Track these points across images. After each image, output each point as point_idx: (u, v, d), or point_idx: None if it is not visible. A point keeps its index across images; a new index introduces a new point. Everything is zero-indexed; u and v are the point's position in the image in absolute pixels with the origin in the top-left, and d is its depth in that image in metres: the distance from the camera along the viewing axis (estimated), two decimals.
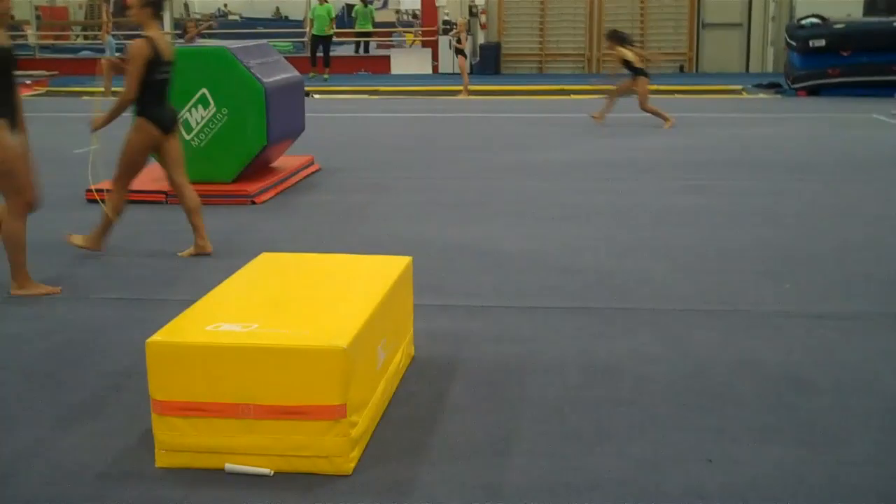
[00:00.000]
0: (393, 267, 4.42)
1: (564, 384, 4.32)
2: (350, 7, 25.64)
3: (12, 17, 24.71)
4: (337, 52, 25.65)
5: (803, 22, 18.71)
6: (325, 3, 21.95)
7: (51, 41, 27.33)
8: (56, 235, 7.31)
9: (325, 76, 21.68)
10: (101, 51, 26.39)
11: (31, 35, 26.01)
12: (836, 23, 18.35)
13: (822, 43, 17.59)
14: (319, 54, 21.92)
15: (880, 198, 8.51)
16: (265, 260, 4.66)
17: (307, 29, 22.35)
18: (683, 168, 9.97)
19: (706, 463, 3.53)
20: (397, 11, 30.89)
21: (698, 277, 6.04)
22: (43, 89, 20.93)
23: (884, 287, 5.81)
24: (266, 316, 3.78)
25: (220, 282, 4.33)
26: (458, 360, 4.62)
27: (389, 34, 26.69)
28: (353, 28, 25.62)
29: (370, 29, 25.33)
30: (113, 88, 19.01)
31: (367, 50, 25.53)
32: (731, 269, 6.20)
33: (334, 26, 22.47)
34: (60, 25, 29.39)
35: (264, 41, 10.12)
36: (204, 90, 8.45)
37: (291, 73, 9.51)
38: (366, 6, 25.23)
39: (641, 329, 5.07)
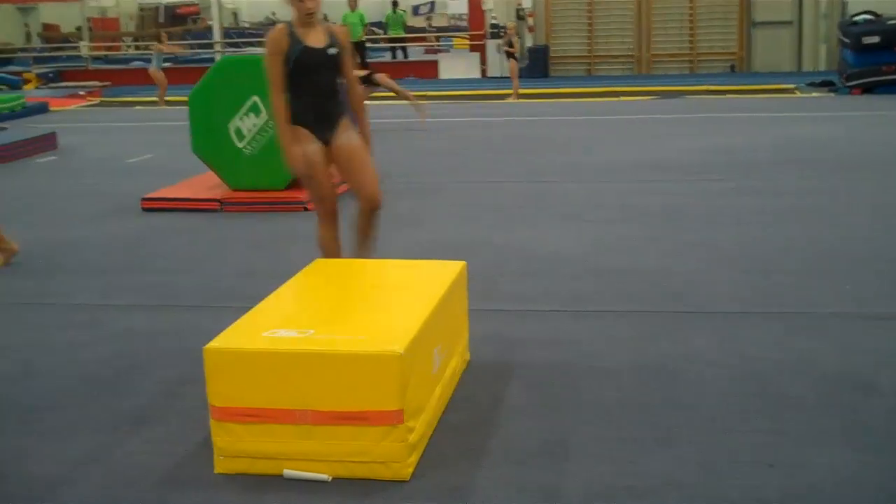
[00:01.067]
0: (447, 271, 4.42)
1: (620, 387, 4.30)
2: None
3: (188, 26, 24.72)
4: (384, 57, 25.75)
5: (856, 18, 18.48)
6: (357, 10, 22.03)
7: (103, 52, 27.67)
8: (112, 243, 7.41)
9: None
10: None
11: (84, 46, 26.35)
12: (889, 18, 18.09)
13: (875, 39, 17.34)
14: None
15: None
16: (319, 266, 4.68)
17: None
18: (735, 168, 9.88)
19: (767, 467, 3.49)
20: (449, 16, 30.92)
21: (753, 279, 5.97)
22: (96, 100, 21.19)
23: None
24: (322, 322, 3.80)
25: (274, 288, 4.35)
26: (513, 364, 4.61)
27: (425, 38, 26.72)
28: (386, 34, 25.65)
29: (402, 34, 25.38)
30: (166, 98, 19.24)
31: (405, 55, 25.58)
32: (787, 270, 6.13)
33: (367, 32, 22.50)
34: (112, 36, 29.76)
35: None
36: (255, 98, 8.50)
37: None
38: (395, 12, 25.29)
39: (696, 331, 5.02)
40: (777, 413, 3.97)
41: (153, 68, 19.37)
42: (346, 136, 5.39)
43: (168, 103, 19.24)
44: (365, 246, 5.48)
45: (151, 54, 19.82)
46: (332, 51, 5.27)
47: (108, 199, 9.13)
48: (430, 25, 30.25)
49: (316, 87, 5.27)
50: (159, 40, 20.09)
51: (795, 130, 12.77)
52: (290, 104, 5.27)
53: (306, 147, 5.26)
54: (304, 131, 5.27)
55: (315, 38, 5.26)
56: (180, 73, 25.08)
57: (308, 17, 5.22)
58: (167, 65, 26.04)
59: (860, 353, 4.64)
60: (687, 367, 4.51)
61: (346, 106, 5.46)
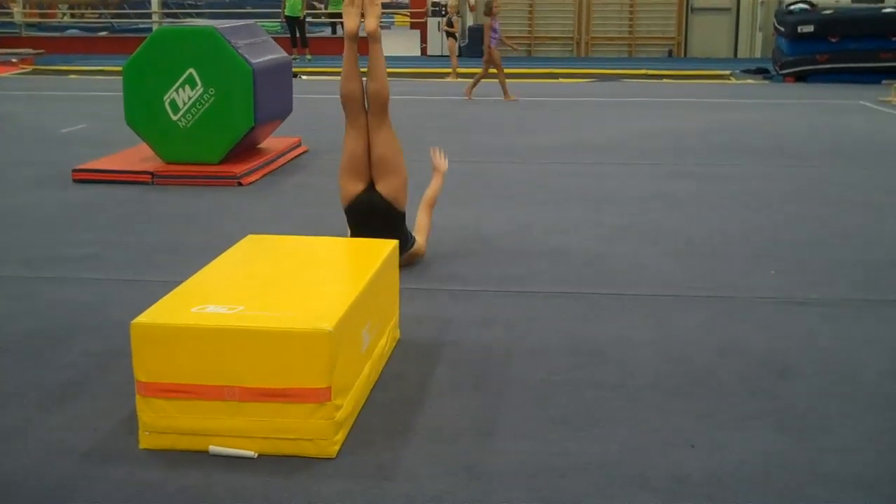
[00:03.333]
0: (378, 249, 4.42)
1: (549, 368, 4.33)
2: None
3: None
4: (325, 33, 25.57)
5: (792, 7, 18.75)
6: None
7: (37, 19, 27.13)
8: (41, 214, 7.30)
9: (308, 57, 21.57)
10: (89, 29, 26.34)
11: (17, 13, 25.83)
12: (824, 9, 18.40)
13: (810, 29, 17.61)
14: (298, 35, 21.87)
15: (867, 184, 8.53)
16: (251, 242, 4.65)
17: (281, 10, 22.20)
18: (670, 153, 9.99)
19: (689, 448, 3.55)
20: None
21: (685, 263, 6.05)
22: (29, 68, 20.78)
23: (869, 274, 5.83)
24: (252, 298, 3.78)
25: (205, 263, 4.32)
26: (444, 344, 4.62)
27: None
28: (326, 9, 25.33)
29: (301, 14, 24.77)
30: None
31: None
32: (718, 255, 6.22)
33: (306, 7, 22.20)
34: (47, 3, 29.19)
35: (252, 21, 10.09)
36: (191, 70, 8.41)
37: (279, 54, 9.48)
38: None
39: (627, 314, 5.08)
40: (702, 395, 4.03)
41: None
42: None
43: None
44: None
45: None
46: None
47: (38, 170, 8.98)
48: None
49: None
50: None
51: (730, 116, 12.93)
52: None
53: None
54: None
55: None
56: (117, 42, 24.74)
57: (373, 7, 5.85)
58: (103, 34, 25.71)
59: (783, 338, 4.73)
60: (616, 349, 4.56)
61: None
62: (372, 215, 5.56)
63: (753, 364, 4.38)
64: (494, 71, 14.74)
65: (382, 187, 5.66)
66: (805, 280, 5.70)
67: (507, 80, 14.79)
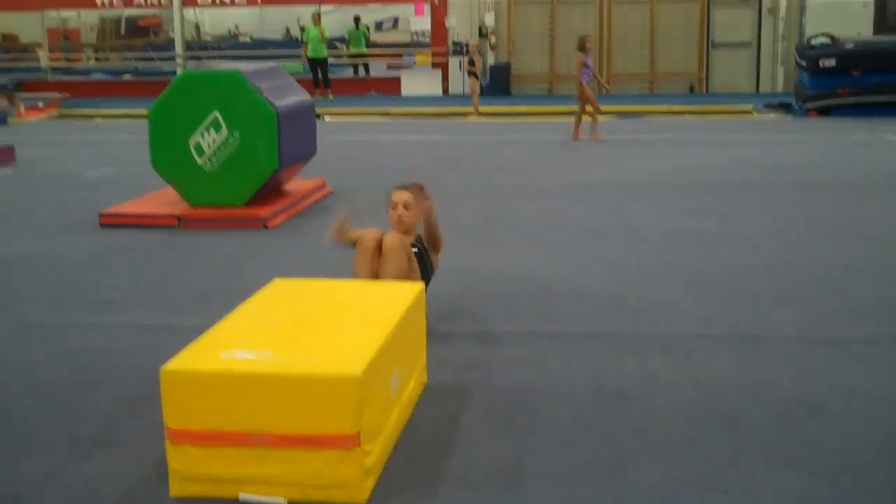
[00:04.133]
0: (405, 293, 4.43)
1: (576, 410, 4.32)
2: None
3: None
4: (347, 74, 25.77)
5: (813, 41, 18.74)
6: (318, 25, 22.05)
7: (63, 64, 27.46)
8: (68, 258, 7.35)
9: (330, 97, 21.74)
10: (114, 72, 26.63)
11: (44, 57, 26.16)
12: (846, 42, 18.37)
13: (832, 63, 17.61)
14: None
15: (889, 220, 8.49)
16: (278, 286, 4.67)
17: (303, 52, 22.45)
18: (693, 189, 9.98)
19: (721, 492, 3.52)
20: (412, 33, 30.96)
21: (709, 301, 6.03)
22: (55, 112, 21.00)
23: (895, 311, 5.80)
24: (279, 343, 3.79)
25: (232, 307, 4.34)
26: (471, 387, 4.62)
27: (392, 55, 26.70)
28: (348, 50, 25.56)
29: (364, 50, 25.40)
30: None
31: (367, 72, 25.60)
32: (742, 293, 6.20)
33: (326, 47, 22.35)
34: (73, 47, 29.54)
35: (275, 63, 10.18)
36: (216, 113, 8.48)
37: (303, 96, 9.56)
38: (357, 28, 25.12)
39: (653, 354, 5.06)
40: (731, 436, 4.00)
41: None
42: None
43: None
44: None
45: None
46: (415, 248, 5.49)
47: (65, 214, 9.06)
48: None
49: None
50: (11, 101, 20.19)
51: (753, 152, 12.92)
52: None
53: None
54: None
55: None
56: (142, 85, 25.01)
57: (399, 226, 5.58)
58: (127, 77, 25.99)
59: (813, 377, 4.70)
60: (644, 391, 4.54)
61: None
62: None
63: (782, 404, 4.35)
64: (591, 109, 14.50)
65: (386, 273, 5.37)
66: (832, 317, 5.67)
67: (536, 118, 14.80)
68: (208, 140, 8.53)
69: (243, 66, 8.99)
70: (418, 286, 4.55)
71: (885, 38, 20.36)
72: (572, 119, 14.92)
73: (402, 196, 5.67)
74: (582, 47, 14.47)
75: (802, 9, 22.81)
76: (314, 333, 3.95)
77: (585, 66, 14.33)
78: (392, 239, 5.35)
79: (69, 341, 5.41)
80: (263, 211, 8.48)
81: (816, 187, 10.10)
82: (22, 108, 20.05)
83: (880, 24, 22.47)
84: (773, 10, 23.05)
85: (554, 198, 9.70)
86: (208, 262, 7.30)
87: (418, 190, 5.68)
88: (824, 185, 10.21)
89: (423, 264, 5.52)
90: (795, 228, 8.12)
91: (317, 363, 3.54)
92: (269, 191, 8.88)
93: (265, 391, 3.45)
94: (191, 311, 5.92)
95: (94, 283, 6.65)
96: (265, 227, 8.33)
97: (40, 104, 21.16)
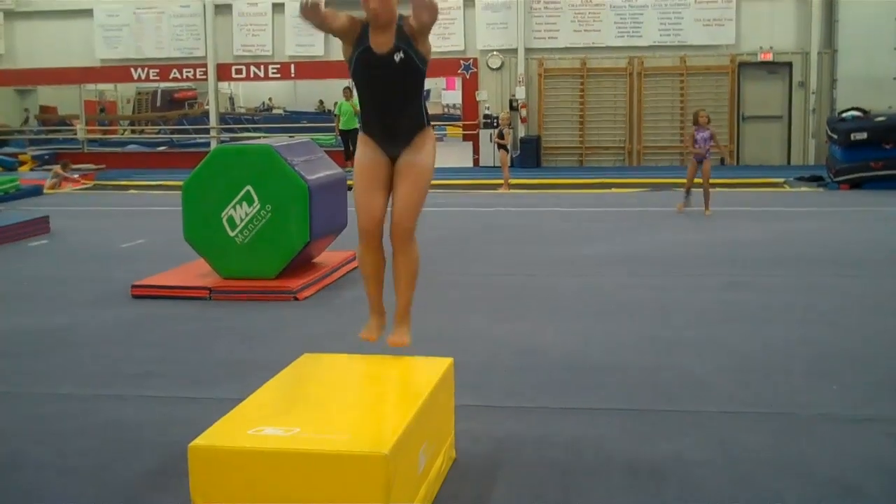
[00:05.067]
0: (434, 368, 4.42)
1: (609, 488, 4.27)
2: None
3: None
4: None
5: (844, 115, 18.75)
6: (351, 99, 22.19)
7: (99, 135, 27.89)
8: (100, 330, 7.40)
9: (349, 169, 21.80)
10: (149, 144, 27.01)
11: (80, 130, 26.60)
12: (877, 115, 18.37)
13: (863, 136, 17.59)
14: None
15: None
16: (307, 361, 4.67)
17: (335, 125, 22.65)
18: (725, 263, 9.93)
19: None
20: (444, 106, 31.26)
21: (743, 377, 5.97)
22: (90, 183, 21.27)
23: None
24: (308, 419, 3.79)
25: (262, 380, 4.34)
26: (500, 463, 4.58)
27: None
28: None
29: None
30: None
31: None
32: (776, 369, 6.13)
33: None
34: (109, 119, 30.02)
35: (307, 139, 10.29)
36: (249, 187, 8.57)
37: (334, 170, 9.64)
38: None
39: (687, 432, 5.00)
40: None
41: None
42: (412, 154, 4.81)
43: None
44: (398, 286, 5.01)
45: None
46: (399, 56, 4.62)
47: (98, 286, 9.13)
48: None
49: (381, 98, 4.74)
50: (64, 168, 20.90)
51: (785, 225, 12.87)
52: (360, 107, 4.88)
53: (364, 152, 4.84)
54: (369, 140, 4.83)
55: (381, 41, 4.63)
56: (176, 157, 25.33)
57: (374, 20, 4.61)
58: (162, 149, 26.35)
59: (848, 457, 4.62)
60: (676, 469, 4.48)
61: (422, 119, 4.86)
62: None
63: (818, 484, 4.28)
64: (699, 181, 14.21)
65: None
66: (866, 396, 5.59)
67: (567, 190, 14.78)
68: (240, 213, 8.60)
69: (276, 141, 9.09)
70: (447, 362, 4.53)
71: None
72: (602, 191, 14.92)
73: None
74: (696, 121, 14.31)
75: (833, 82, 22.87)
76: (342, 410, 3.94)
77: (695, 140, 14.13)
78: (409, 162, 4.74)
79: (100, 414, 5.42)
80: (294, 283, 8.52)
81: (849, 262, 10.02)
82: (69, 181, 20.48)
83: None
84: (804, 84, 23.11)
85: (586, 270, 9.68)
86: (239, 334, 7.32)
87: None
88: (857, 260, 10.13)
89: (415, 76, 4.74)
90: (828, 303, 8.05)
91: (344, 441, 3.53)
92: (300, 263, 8.92)
93: (293, 468, 3.44)
94: (221, 383, 5.93)
95: (126, 356, 6.68)
96: (295, 299, 8.36)
97: (76, 175, 21.43)
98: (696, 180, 14.23)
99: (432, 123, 4.97)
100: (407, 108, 4.78)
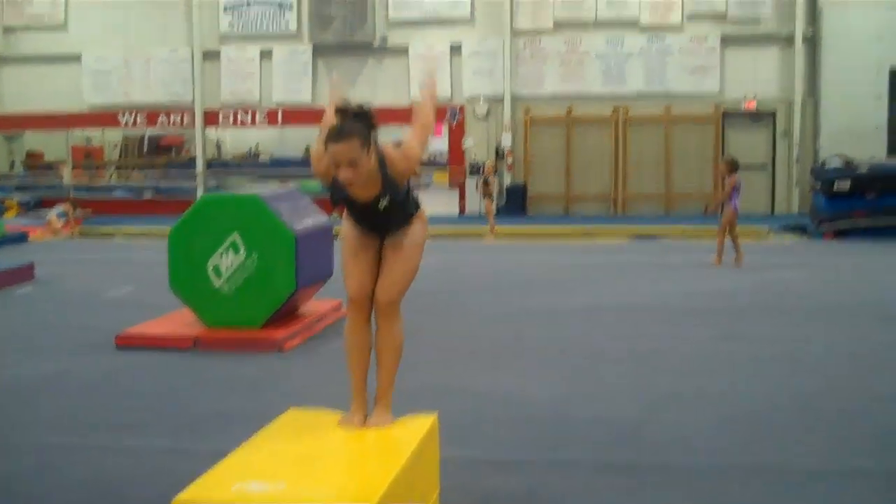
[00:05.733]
0: (419, 424, 4.41)
1: None
2: None
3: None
4: None
5: (827, 164, 18.93)
6: None
7: (85, 181, 27.88)
8: (85, 380, 7.36)
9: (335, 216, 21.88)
10: (135, 190, 27.04)
11: (66, 175, 26.60)
12: (860, 165, 18.55)
13: (846, 186, 17.76)
14: None
15: None
16: (292, 415, 4.65)
17: None
18: (711, 314, 9.96)
19: None
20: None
21: (732, 431, 5.96)
22: (76, 229, 21.24)
23: None
24: (293, 474, 3.77)
25: (248, 433, 4.32)
26: None
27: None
28: None
29: None
30: None
31: None
32: (764, 422, 6.13)
33: None
34: (95, 165, 30.03)
35: (293, 188, 10.31)
36: (235, 236, 8.56)
37: (321, 219, 9.64)
38: None
39: (675, 488, 4.98)
40: None
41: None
42: (401, 235, 4.74)
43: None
44: (380, 362, 4.88)
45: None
46: (384, 203, 4.53)
47: (83, 334, 9.09)
48: None
49: (366, 217, 4.66)
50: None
51: (770, 275, 12.92)
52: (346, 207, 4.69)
53: (350, 227, 4.75)
54: (355, 224, 4.74)
55: (362, 193, 4.49)
56: (163, 203, 25.35)
57: (351, 188, 4.44)
58: (148, 195, 26.36)
59: None
60: None
61: (412, 212, 4.78)
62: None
63: None
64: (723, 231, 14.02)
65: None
66: (854, 449, 5.59)
67: (546, 240, 14.85)
68: (226, 262, 8.59)
69: (263, 190, 9.10)
70: (431, 418, 4.51)
71: None
72: (588, 240, 14.97)
73: (342, 151, 4.24)
74: (735, 168, 13.97)
75: (816, 132, 23.09)
76: (328, 465, 3.93)
77: (736, 188, 13.91)
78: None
79: (83, 467, 5.38)
80: (279, 333, 8.49)
81: (835, 312, 10.06)
82: (66, 221, 20.48)
83: (893, 146, 22.70)
84: (788, 133, 23.32)
85: (572, 320, 9.69)
86: (224, 385, 7.28)
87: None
88: (843, 310, 10.17)
89: (403, 204, 4.68)
90: (815, 355, 8.07)
91: (330, 497, 3.51)
92: (286, 312, 8.90)
93: None
94: (206, 436, 5.89)
95: (111, 406, 6.64)
96: (281, 349, 8.33)
97: (62, 221, 21.41)
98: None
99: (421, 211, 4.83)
100: (394, 216, 4.68)
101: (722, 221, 13.96)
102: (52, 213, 20.27)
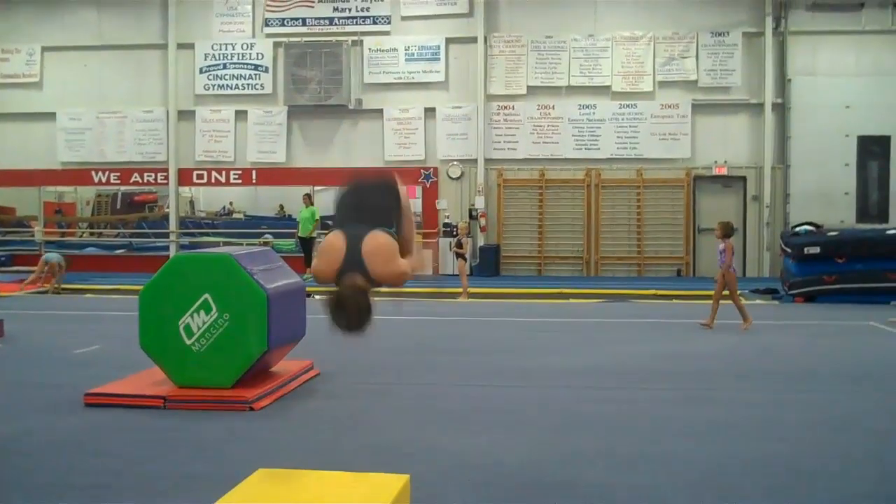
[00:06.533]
0: (390, 486, 4.38)
1: None
2: None
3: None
4: None
5: (797, 229, 19.13)
6: (310, 206, 22.61)
7: (56, 237, 27.78)
8: (50, 439, 7.27)
9: (310, 276, 21.76)
10: (107, 247, 26.93)
11: (38, 232, 26.49)
12: (830, 230, 18.77)
13: (816, 250, 17.93)
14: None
15: (880, 410, 8.48)
16: (261, 477, 4.61)
17: (296, 231, 22.97)
18: (682, 377, 9.98)
19: None
20: None
21: (699, 495, 5.96)
22: (48, 286, 21.09)
23: None
24: None
25: (216, 495, 4.29)
26: None
27: None
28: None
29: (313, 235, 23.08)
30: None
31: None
32: (733, 487, 6.13)
33: (318, 227, 22.70)
34: (67, 221, 29.92)
35: (267, 247, 10.31)
36: (207, 295, 8.53)
37: (293, 279, 9.63)
38: (308, 207, 23.37)
39: None
40: None
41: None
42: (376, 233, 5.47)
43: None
44: None
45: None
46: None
47: (50, 392, 9.00)
48: None
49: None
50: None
51: (741, 338, 12.98)
52: None
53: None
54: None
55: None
56: (135, 260, 25.27)
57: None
58: (120, 251, 26.26)
59: None
60: None
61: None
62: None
63: None
64: (727, 293, 14.15)
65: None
66: None
67: (519, 300, 14.85)
68: (198, 321, 8.55)
69: (235, 250, 9.10)
70: (403, 479, 4.50)
71: (868, 227, 20.80)
72: (561, 300, 14.99)
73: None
74: (731, 233, 14.30)
75: (786, 197, 23.35)
76: None
77: (733, 252, 14.12)
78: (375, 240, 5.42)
79: None
80: (250, 393, 8.44)
81: (806, 376, 10.11)
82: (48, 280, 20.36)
83: (863, 212, 23.00)
84: (758, 198, 23.57)
85: (542, 382, 9.68)
86: (193, 445, 7.21)
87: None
88: (813, 374, 10.23)
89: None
90: (786, 419, 8.09)
91: None
92: (257, 372, 8.86)
93: None
94: (174, 498, 5.83)
95: (77, 466, 6.56)
96: (251, 409, 8.28)
97: (31, 277, 21.25)
98: (725, 293, 14.18)
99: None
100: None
101: (721, 285, 14.12)
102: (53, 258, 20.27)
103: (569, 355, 11.44)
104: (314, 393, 9.17)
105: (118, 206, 30.05)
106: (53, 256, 20.72)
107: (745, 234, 23.71)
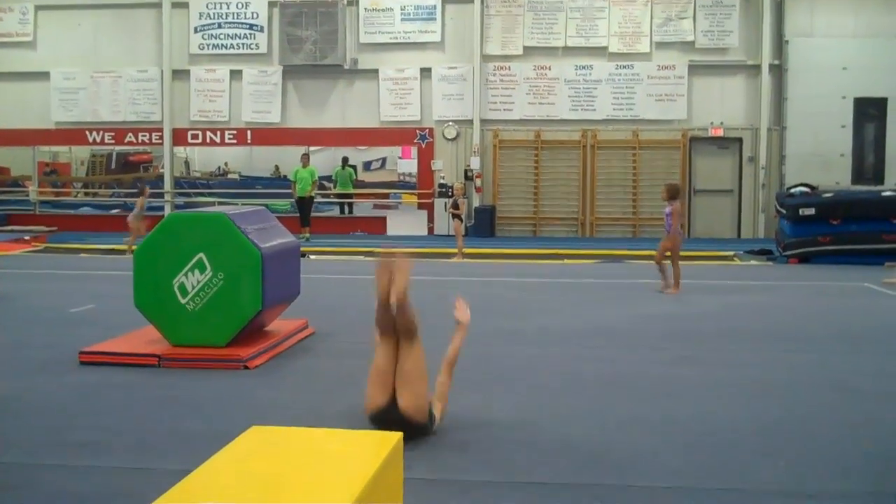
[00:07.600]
0: (383, 443, 4.39)
1: None
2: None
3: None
4: (334, 213, 26.11)
5: (793, 190, 19.11)
6: (308, 166, 22.67)
7: (51, 197, 27.70)
8: (46, 398, 7.29)
9: (306, 236, 21.92)
10: (102, 207, 26.87)
11: (32, 192, 26.42)
12: (825, 191, 18.77)
13: (811, 211, 17.92)
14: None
15: (873, 370, 8.51)
16: (255, 434, 4.62)
17: (293, 191, 23.00)
18: (676, 337, 10.01)
19: None
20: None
21: (692, 453, 5.99)
22: (41, 245, 21.07)
23: (879, 466, 5.77)
24: (255, 494, 3.74)
25: (210, 452, 4.29)
26: None
27: (379, 195, 27.03)
28: (335, 189, 26.12)
29: (350, 190, 25.95)
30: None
31: (350, 211, 26.06)
32: (726, 445, 6.16)
33: (316, 188, 23.13)
34: (62, 181, 29.82)
35: (262, 207, 10.28)
36: (201, 255, 8.53)
37: (288, 238, 9.63)
38: (344, 168, 25.81)
39: None
40: None
41: (131, 217, 19.56)
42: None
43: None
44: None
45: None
46: None
47: (45, 352, 9.01)
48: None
49: None
50: (143, 194, 20.33)
51: (735, 299, 13.00)
52: None
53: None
54: None
55: None
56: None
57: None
58: (116, 211, 26.21)
59: None
60: None
61: None
62: (392, 425, 5.60)
63: None
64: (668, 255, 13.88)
65: (403, 401, 5.99)
66: (815, 472, 5.64)
67: (514, 260, 14.83)
68: (192, 281, 8.55)
69: (230, 209, 9.08)
70: (396, 436, 4.51)
71: (863, 189, 20.80)
72: (555, 261, 14.98)
73: None
74: (677, 195, 14.13)
75: (782, 158, 23.32)
76: (289, 486, 3.89)
77: (680, 214, 13.98)
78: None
79: (41, 485, 5.33)
80: (244, 352, 8.46)
81: (799, 337, 10.14)
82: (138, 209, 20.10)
83: (858, 173, 22.98)
84: (754, 159, 23.54)
85: (537, 343, 9.71)
86: (187, 403, 7.24)
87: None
88: (806, 335, 10.26)
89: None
90: (778, 379, 8.12)
91: None
92: (252, 331, 8.88)
93: None
94: (168, 454, 5.86)
95: (72, 425, 6.58)
96: (246, 367, 8.30)
97: (26, 237, 21.24)
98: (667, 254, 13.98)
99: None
100: None
101: (664, 246, 13.92)
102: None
103: (563, 316, 11.46)
104: (309, 351, 9.20)
105: (113, 167, 29.92)
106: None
107: (740, 195, 23.69)
